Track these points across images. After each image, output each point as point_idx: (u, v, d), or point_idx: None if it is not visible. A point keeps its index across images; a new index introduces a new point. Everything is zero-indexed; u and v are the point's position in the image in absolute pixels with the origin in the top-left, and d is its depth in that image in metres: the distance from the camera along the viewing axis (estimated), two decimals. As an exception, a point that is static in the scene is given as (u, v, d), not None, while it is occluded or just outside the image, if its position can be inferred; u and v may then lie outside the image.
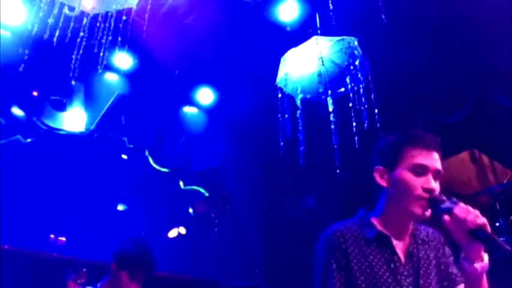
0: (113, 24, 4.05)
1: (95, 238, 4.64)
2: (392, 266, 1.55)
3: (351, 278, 1.54)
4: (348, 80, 4.69)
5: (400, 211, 1.59)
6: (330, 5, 4.13)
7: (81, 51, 3.99)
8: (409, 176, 1.56)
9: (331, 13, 4.14)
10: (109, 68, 5.73)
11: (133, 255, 2.51)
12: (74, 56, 4.00)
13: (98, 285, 2.57)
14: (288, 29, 4.48)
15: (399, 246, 1.60)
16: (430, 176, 1.55)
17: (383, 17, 3.89)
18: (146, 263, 2.54)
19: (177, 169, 6.17)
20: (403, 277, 1.54)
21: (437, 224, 1.56)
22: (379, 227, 1.61)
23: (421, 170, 1.56)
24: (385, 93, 4.61)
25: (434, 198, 1.51)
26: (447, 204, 1.46)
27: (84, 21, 4.00)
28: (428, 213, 1.53)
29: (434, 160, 1.59)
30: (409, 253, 1.60)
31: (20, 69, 4.09)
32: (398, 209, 1.59)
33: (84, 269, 2.52)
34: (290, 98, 4.93)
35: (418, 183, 1.54)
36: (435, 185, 1.55)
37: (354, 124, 4.51)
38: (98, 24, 4.02)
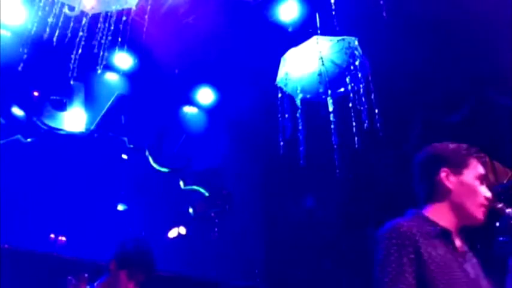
0: (113, 25, 4.05)
1: (95, 238, 4.64)
2: (459, 260, 1.61)
3: (424, 272, 1.55)
4: (348, 80, 4.68)
5: (462, 214, 1.69)
6: (333, 5, 4.12)
7: (79, 50, 3.98)
8: (476, 183, 1.71)
9: (333, 12, 4.13)
10: (109, 68, 5.73)
11: (133, 256, 2.50)
12: (73, 56, 3.99)
13: (95, 284, 2.56)
14: (290, 29, 4.48)
15: (457, 243, 1.68)
16: (486, 186, 1.72)
17: (384, 14, 3.88)
18: (146, 263, 2.51)
19: (177, 169, 6.16)
20: (466, 272, 1.59)
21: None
22: (441, 224, 1.67)
23: (483, 180, 1.73)
24: (385, 93, 4.61)
25: (497, 206, 1.70)
26: (509, 211, 1.67)
27: (83, 21, 4.00)
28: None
29: (488, 173, 1.80)
30: (464, 251, 1.68)
31: (19, 68, 4.09)
32: (460, 211, 1.70)
33: (86, 274, 2.51)
34: (290, 98, 4.93)
35: (482, 191, 1.70)
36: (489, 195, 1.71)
37: (354, 124, 4.51)
38: (99, 25, 4.01)
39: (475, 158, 1.76)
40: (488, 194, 1.70)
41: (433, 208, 1.73)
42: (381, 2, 3.95)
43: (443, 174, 1.73)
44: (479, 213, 1.68)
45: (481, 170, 1.74)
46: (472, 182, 1.71)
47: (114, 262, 2.48)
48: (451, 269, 1.57)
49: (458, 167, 1.73)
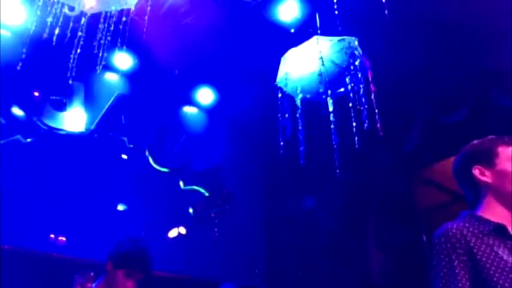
0: (113, 25, 4.05)
1: (95, 238, 4.64)
2: None
3: (480, 271, 1.53)
4: (348, 80, 4.68)
5: (509, 200, 1.67)
6: (335, 5, 4.12)
7: (78, 50, 3.98)
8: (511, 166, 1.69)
9: (336, 12, 4.13)
10: (109, 68, 5.73)
11: (130, 254, 2.51)
12: (72, 56, 3.99)
13: (93, 285, 2.56)
14: (293, 31, 4.47)
15: None
16: None
17: (386, 12, 3.88)
18: (143, 261, 2.52)
19: (177, 169, 6.16)
20: None
21: None
22: (494, 220, 1.65)
23: None
24: (385, 93, 4.61)
25: None
26: None
27: (83, 21, 4.00)
28: None
29: None
30: None
31: (18, 67, 4.09)
32: (507, 201, 1.68)
33: (92, 273, 2.51)
34: (290, 98, 4.93)
35: None
36: None
37: (354, 124, 4.51)
38: (100, 26, 4.01)
39: (502, 145, 1.76)
40: None
41: (483, 206, 1.72)
42: (383, 1, 3.94)
43: (476, 172, 1.74)
44: None
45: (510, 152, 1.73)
46: (507, 168, 1.70)
47: (111, 262, 2.49)
48: (509, 264, 1.51)
49: (488, 159, 1.74)
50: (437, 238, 1.64)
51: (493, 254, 1.54)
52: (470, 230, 1.61)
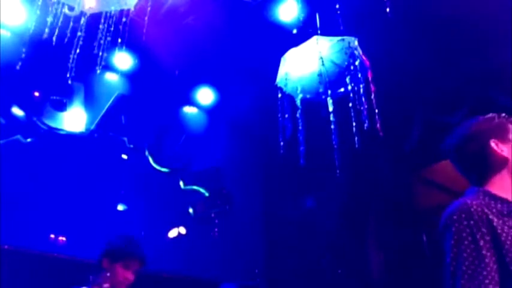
0: (113, 25, 4.05)
1: (95, 238, 4.64)
2: None
3: (504, 254, 1.36)
4: (348, 80, 4.68)
5: None
6: (337, 4, 4.12)
7: (77, 50, 3.98)
8: None
9: (338, 12, 4.13)
10: (109, 68, 5.73)
11: (124, 247, 2.61)
12: (71, 56, 3.99)
13: (92, 284, 2.59)
14: (295, 31, 4.47)
15: None
16: None
17: (387, 11, 3.88)
18: (137, 251, 2.63)
19: (177, 169, 6.16)
20: None
21: None
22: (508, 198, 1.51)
23: None
24: (385, 93, 4.61)
25: None
26: None
27: (82, 21, 4.00)
28: None
29: None
30: None
31: (17, 67, 4.09)
32: None
33: (108, 273, 2.56)
34: (290, 98, 4.93)
35: None
36: None
37: (354, 124, 4.51)
38: (100, 26, 4.01)
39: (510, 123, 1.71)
40: None
41: (496, 183, 1.58)
42: (385, 1, 3.95)
43: (494, 146, 1.63)
44: None
45: None
46: None
47: (106, 259, 2.56)
48: None
49: (503, 134, 1.67)
50: (455, 214, 1.45)
51: None
52: (490, 208, 1.45)
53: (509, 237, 1.37)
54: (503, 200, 1.49)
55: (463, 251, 1.37)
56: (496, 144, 1.63)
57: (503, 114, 1.76)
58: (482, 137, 1.68)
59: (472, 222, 1.40)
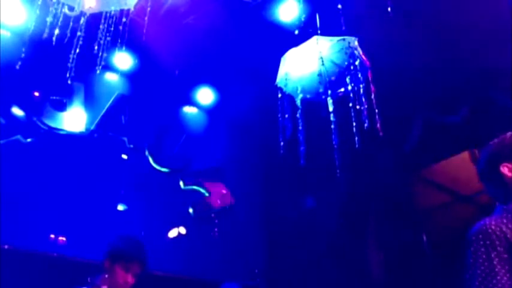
0: (112, 25, 4.05)
1: (95, 238, 4.64)
2: None
3: None
4: (348, 80, 4.68)
5: None
6: (339, 5, 4.11)
7: (77, 50, 3.98)
8: None
9: (340, 10, 4.13)
10: (109, 68, 5.74)
11: (125, 249, 2.60)
12: (71, 56, 3.99)
13: (92, 284, 2.59)
14: (296, 32, 4.46)
15: None
16: None
17: (389, 9, 3.88)
18: (139, 254, 2.61)
19: (177, 169, 6.16)
20: None
21: None
22: None
23: None
24: (385, 93, 4.61)
25: None
26: None
27: (82, 21, 4.00)
28: None
29: None
30: None
31: (17, 66, 4.09)
32: None
33: (106, 275, 2.56)
34: (290, 98, 4.93)
35: None
36: None
37: (354, 124, 4.51)
38: (100, 26, 4.01)
39: None
40: None
41: None
42: (386, 1, 3.95)
43: (505, 170, 1.66)
44: None
45: None
46: None
47: (108, 260, 2.55)
48: None
49: None
50: (474, 235, 1.55)
51: None
52: (510, 226, 1.51)
53: None
54: None
55: (478, 268, 1.48)
56: (508, 168, 1.66)
57: None
58: (493, 161, 1.72)
59: (488, 242, 1.49)
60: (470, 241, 1.55)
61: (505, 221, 1.54)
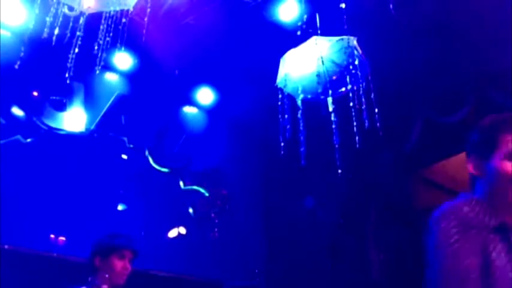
0: (112, 25, 4.05)
1: (95, 238, 4.64)
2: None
3: (475, 267, 1.30)
4: (348, 79, 4.68)
5: (503, 202, 1.40)
6: (342, 4, 4.11)
7: (76, 50, 3.98)
8: (504, 165, 1.38)
9: (342, 10, 4.12)
10: (109, 68, 5.74)
11: (114, 239, 2.68)
12: (70, 56, 3.99)
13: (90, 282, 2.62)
14: (299, 33, 4.45)
15: None
16: None
17: (391, 7, 3.88)
18: (127, 241, 2.68)
19: (177, 169, 6.16)
20: None
21: None
22: (498, 216, 1.39)
23: None
24: (385, 92, 4.61)
25: None
26: None
27: (80, 21, 4.00)
28: None
29: None
30: None
31: (16, 66, 4.09)
32: (501, 199, 1.40)
33: (107, 275, 2.58)
34: (290, 98, 4.93)
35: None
36: None
37: (355, 124, 4.51)
38: (100, 26, 4.01)
39: (507, 133, 1.43)
40: None
41: (484, 197, 1.45)
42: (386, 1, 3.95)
43: (470, 166, 1.48)
44: None
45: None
46: (500, 165, 1.40)
47: (98, 257, 2.62)
48: (497, 269, 1.30)
49: (486, 152, 1.45)
50: (442, 214, 1.40)
51: (496, 256, 1.32)
52: (476, 218, 1.38)
53: (492, 254, 1.33)
54: (491, 213, 1.42)
55: (448, 246, 1.36)
56: (474, 163, 1.51)
57: (497, 120, 1.53)
58: (467, 150, 1.58)
59: (461, 227, 1.37)
60: (437, 221, 1.41)
61: (475, 209, 1.40)
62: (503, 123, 1.47)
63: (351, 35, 4.44)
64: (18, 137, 5.03)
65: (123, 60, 5.78)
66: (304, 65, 4.72)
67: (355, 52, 4.48)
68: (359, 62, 4.48)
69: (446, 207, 1.44)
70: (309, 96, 4.94)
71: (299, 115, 4.77)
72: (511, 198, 1.37)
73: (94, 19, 4.11)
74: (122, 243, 2.64)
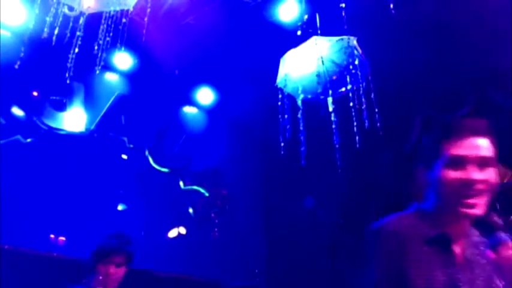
0: (113, 25, 4.05)
1: (95, 238, 4.63)
2: (450, 271, 1.33)
3: (406, 282, 1.31)
4: (348, 79, 4.68)
5: (447, 211, 1.37)
6: (343, 4, 4.11)
7: (76, 50, 3.98)
8: (445, 173, 1.35)
9: (341, 11, 4.12)
10: (109, 68, 5.74)
11: (105, 244, 2.63)
12: (70, 56, 3.99)
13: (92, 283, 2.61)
14: (299, 33, 4.45)
15: (457, 249, 1.38)
16: (469, 167, 1.34)
17: (391, 7, 3.87)
18: (116, 245, 2.62)
19: (177, 169, 6.16)
20: (460, 284, 1.31)
21: None
22: (440, 226, 1.38)
23: (457, 162, 1.34)
24: (385, 92, 4.61)
25: (486, 221, 1.39)
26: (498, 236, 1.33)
27: (80, 21, 4.00)
28: (479, 211, 1.32)
29: (473, 147, 1.38)
30: (466, 259, 1.38)
31: (16, 66, 4.09)
32: (444, 209, 1.38)
33: (101, 277, 2.57)
34: (290, 98, 4.93)
35: (455, 177, 1.33)
36: (478, 176, 1.33)
37: (355, 124, 4.51)
38: (100, 26, 4.01)
39: (447, 139, 1.40)
40: (467, 176, 1.32)
41: (430, 206, 1.43)
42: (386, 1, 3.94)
43: (417, 175, 1.50)
44: (460, 206, 1.32)
45: (452, 151, 1.36)
46: (440, 173, 1.36)
47: (93, 259, 2.61)
48: (435, 280, 1.30)
49: (429, 161, 1.42)
50: (373, 232, 1.41)
51: (423, 266, 1.32)
52: (412, 230, 1.37)
53: (416, 265, 1.33)
54: (432, 224, 1.41)
55: (376, 266, 1.40)
56: (420, 173, 1.53)
57: (446, 124, 1.53)
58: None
59: (385, 247, 1.39)
60: (369, 237, 1.42)
61: (410, 222, 1.42)
62: (444, 130, 1.46)
63: (351, 35, 4.44)
64: (18, 137, 5.03)
65: (123, 60, 5.78)
66: (304, 65, 4.72)
67: (355, 52, 4.48)
68: (359, 62, 4.48)
69: (377, 224, 1.45)
70: (309, 96, 4.94)
71: (299, 115, 4.77)
72: (452, 208, 1.34)
73: (94, 19, 4.11)
74: (108, 249, 2.59)
